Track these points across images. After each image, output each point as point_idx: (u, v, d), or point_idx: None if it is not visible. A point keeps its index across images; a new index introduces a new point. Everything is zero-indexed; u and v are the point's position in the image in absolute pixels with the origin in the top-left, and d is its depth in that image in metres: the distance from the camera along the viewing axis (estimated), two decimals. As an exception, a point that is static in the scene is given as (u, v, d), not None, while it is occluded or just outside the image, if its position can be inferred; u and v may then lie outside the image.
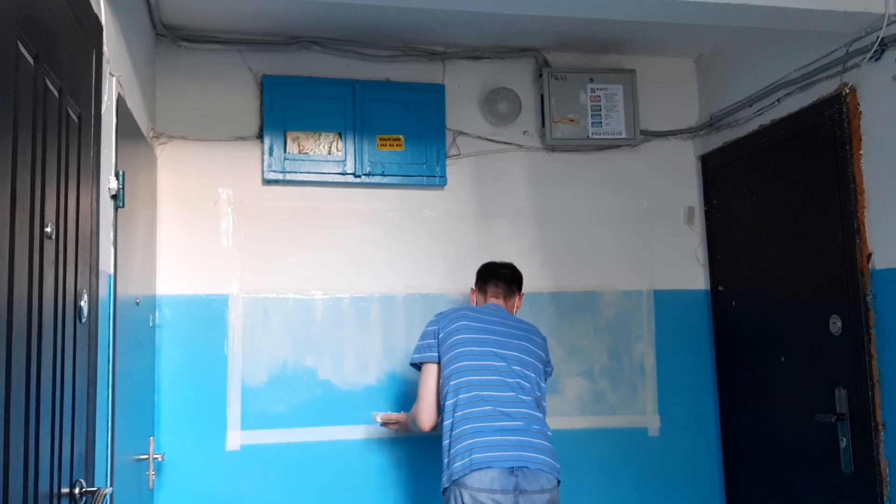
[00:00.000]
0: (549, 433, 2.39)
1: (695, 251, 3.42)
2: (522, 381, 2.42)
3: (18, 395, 1.23)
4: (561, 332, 3.26)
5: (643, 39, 3.26)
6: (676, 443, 3.28)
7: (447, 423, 2.37)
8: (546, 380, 2.57)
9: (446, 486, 2.29)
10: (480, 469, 2.21)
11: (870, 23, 2.48)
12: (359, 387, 3.08)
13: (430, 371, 2.51)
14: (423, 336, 2.57)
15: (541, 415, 2.41)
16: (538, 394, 2.46)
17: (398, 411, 3.05)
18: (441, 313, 2.60)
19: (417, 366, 2.57)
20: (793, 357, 2.88)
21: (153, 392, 2.84)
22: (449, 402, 2.38)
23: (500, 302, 2.69)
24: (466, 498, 2.20)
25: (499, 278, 2.71)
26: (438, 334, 2.51)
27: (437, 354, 2.49)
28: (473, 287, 2.79)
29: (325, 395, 3.05)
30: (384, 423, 2.80)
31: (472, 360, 2.42)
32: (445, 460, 2.32)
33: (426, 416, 2.49)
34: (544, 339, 2.62)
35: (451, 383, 2.39)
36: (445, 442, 2.34)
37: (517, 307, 2.73)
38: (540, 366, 2.53)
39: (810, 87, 2.79)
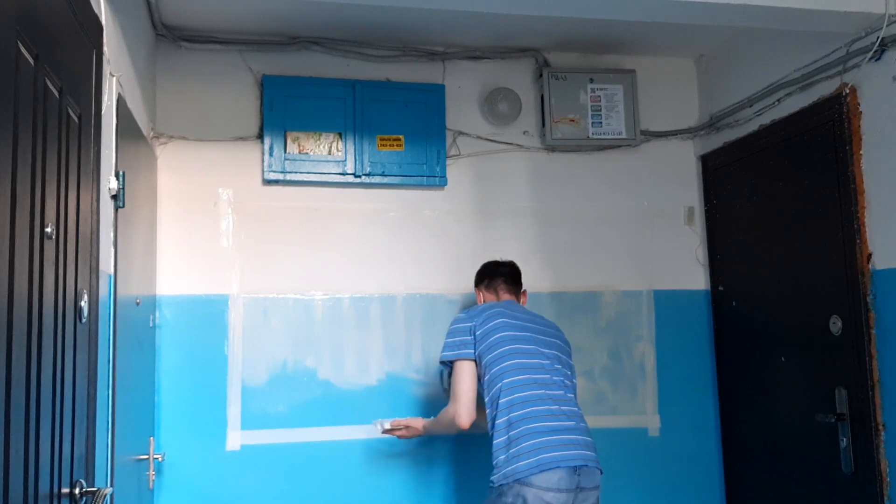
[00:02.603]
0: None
1: (695, 251, 3.42)
2: (565, 380, 2.45)
3: (18, 395, 1.23)
4: (561, 332, 3.25)
5: (643, 39, 3.26)
6: (676, 443, 3.28)
7: (501, 420, 2.35)
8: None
9: (503, 482, 2.28)
10: (549, 469, 2.23)
11: (870, 23, 2.48)
12: (359, 387, 3.07)
13: (467, 368, 2.48)
14: (455, 333, 2.53)
15: (581, 411, 2.46)
16: (575, 389, 2.51)
17: (399, 412, 3.04)
18: (470, 311, 2.57)
19: (448, 363, 2.54)
20: (793, 357, 2.88)
21: (153, 392, 2.84)
22: (504, 401, 2.36)
23: (513, 299, 2.71)
24: (530, 497, 2.21)
25: (506, 276, 2.74)
26: (475, 331, 2.48)
27: (473, 352, 2.47)
28: (479, 287, 2.78)
29: (325, 396, 3.04)
30: (390, 431, 2.75)
31: (520, 358, 2.42)
32: (502, 457, 2.31)
33: (466, 413, 2.45)
34: (563, 334, 2.65)
35: (506, 381, 2.38)
36: (500, 439, 2.33)
37: (523, 304, 2.76)
38: (572, 363, 2.57)
39: (810, 87, 2.79)
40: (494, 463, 2.34)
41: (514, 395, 2.36)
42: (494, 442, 2.36)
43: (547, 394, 2.38)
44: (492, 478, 2.33)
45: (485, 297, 2.75)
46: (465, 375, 2.48)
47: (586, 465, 2.30)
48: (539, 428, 2.31)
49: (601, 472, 2.38)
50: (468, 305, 3.14)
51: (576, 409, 2.43)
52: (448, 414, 2.51)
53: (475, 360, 2.48)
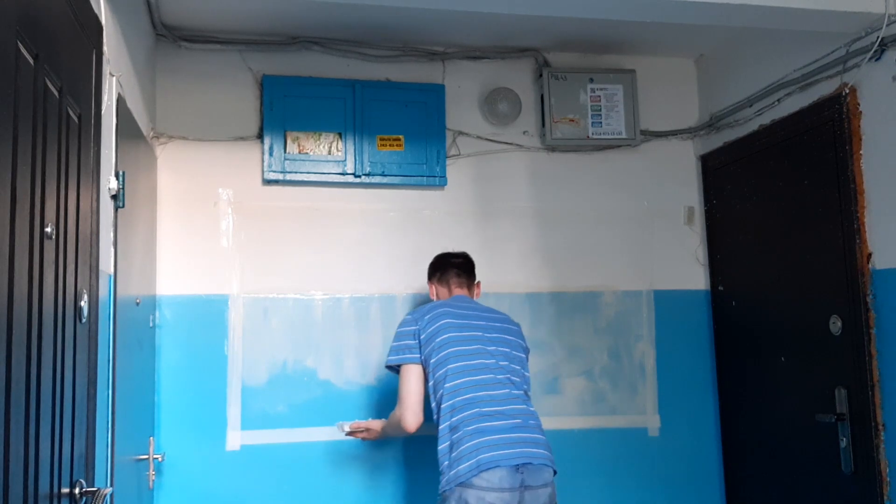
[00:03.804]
0: (542, 425, 2.40)
1: (695, 251, 3.42)
2: (512, 376, 2.42)
3: (18, 395, 1.23)
4: (561, 332, 3.26)
5: (643, 39, 3.26)
6: (676, 443, 3.28)
7: (444, 426, 2.34)
8: (528, 361, 2.56)
9: (446, 488, 2.26)
10: (489, 469, 2.20)
11: (870, 23, 2.48)
12: (359, 387, 3.08)
13: (412, 372, 2.45)
14: (400, 336, 2.50)
15: (533, 408, 2.42)
16: (525, 386, 2.46)
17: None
18: (416, 312, 2.55)
19: (395, 368, 2.51)
20: (793, 357, 2.88)
21: (153, 392, 2.84)
22: (445, 405, 2.35)
23: (465, 292, 2.68)
24: (472, 499, 2.19)
25: (459, 268, 2.70)
26: (419, 335, 2.46)
27: (419, 356, 2.45)
28: (431, 282, 2.75)
29: (325, 395, 3.05)
30: (351, 433, 2.70)
31: (463, 360, 2.39)
32: (446, 463, 2.29)
33: (412, 416, 2.42)
34: (518, 325, 2.61)
35: (447, 385, 2.36)
36: (444, 445, 2.32)
37: (477, 296, 2.73)
38: (522, 355, 2.53)
39: (810, 87, 2.79)
40: (440, 469, 2.31)
41: (456, 399, 2.34)
42: (439, 448, 2.33)
43: (489, 395, 2.35)
44: (439, 485, 2.31)
45: (437, 291, 2.71)
46: (411, 378, 2.45)
47: (530, 463, 2.25)
48: (479, 429, 2.28)
49: (554, 471, 2.33)
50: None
51: (522, 406, 2.38)
52: (395, 417, 2.50)
53: (422, 364, 2.45)
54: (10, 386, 1.18)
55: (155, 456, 2.60)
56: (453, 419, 2.32)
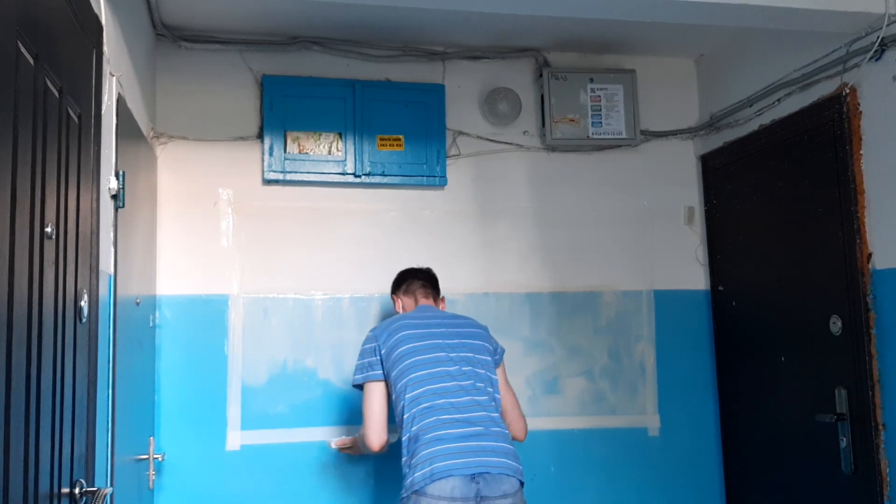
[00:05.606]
0: (509, 434, 2.35)
1: (695, 251, 3.42)
2: (476, 382, 2.37)
3: (18, 395, 1.23)
4: (561, 332, 3.26)
5: (643, 39, 3.26)
6: (676, 443, 3.28)
7: (405, 437, 2.30)
8: (501, 365, 2.52)
9: (404, 495, 2.23)
10: (442, 478, 2.15)
11: (870, 23, 2.48)
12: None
13: (375, 390, 2.42)
14: (363, 354, 2.48)
15: (497, 415, 2.37)
16: (491, 389, 2.40)
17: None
18: (377, 328, 2.52)
19: (360, 386, 2.48)
20: (793, 357, 2.88)
21: (153, 392, 2.85)
22: (406, 416, 2.31)
23: (431, 303, 2.66)
24: None
25: (425, 279, 2.69)
26: (380, 350, 2.43)
27: (381, 372, 2.42)
28: (396, 294, 2.72)
29: (325, 395, 3.05)
30: (340, 448, 2.72)
31: (422, 369, 2.36)
32: (405, 471, 2.26)
33: (374, 436, 2.39)
34: (485, 327, 2.56)
35: (407, 396, 2.33)
36: (405, 457, 2.28)
37: (442, 309, 2.71)
38: (488, 357, 2.46)
39: (810, 87, 2.79)
40: (403, 478, 2.27)
41: (415, 409, 2.30)
42: (402, 460, 2.29)
43: (449, 402, 2.30)
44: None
45: (403, 303, 2.69)
46: (374, 397, 2.42)
47: (488, 473, 2.17)
48: (437, 437, 2.24)
49: (521, 482, 2.25)
50: (467, 306, 3.15)
51: (484, 413, 2.31)
52: (360, 437, 2.49)
53: (385, 381, 2.42)
54: (10, 386, 1.18)
55: (155, 456, 2.60)
56: (413, 428, 2.28)
